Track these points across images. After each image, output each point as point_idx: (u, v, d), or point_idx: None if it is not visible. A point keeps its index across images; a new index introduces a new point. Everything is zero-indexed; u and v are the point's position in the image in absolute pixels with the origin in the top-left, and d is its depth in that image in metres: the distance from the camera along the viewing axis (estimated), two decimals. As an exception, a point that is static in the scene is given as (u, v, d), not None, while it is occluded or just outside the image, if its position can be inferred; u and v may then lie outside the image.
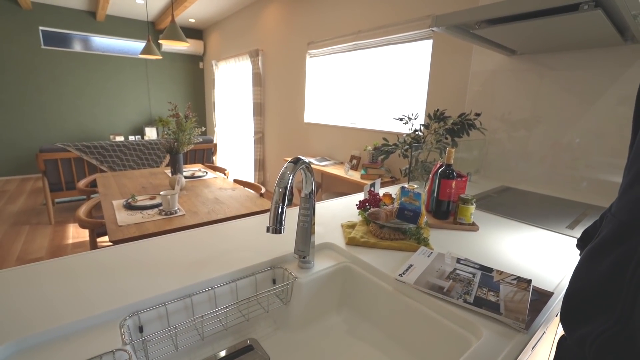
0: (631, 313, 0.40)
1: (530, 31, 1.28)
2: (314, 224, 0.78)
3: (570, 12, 1.04)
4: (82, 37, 5.14)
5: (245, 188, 2.23)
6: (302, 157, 0.67)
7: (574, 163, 1.64)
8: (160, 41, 2.64)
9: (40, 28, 4.79)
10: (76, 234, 3.10)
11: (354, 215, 1.15)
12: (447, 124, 1.60)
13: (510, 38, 1.43)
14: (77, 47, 5.12)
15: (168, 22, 5.21)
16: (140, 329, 0.62)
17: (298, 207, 0.78)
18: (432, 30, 2.28)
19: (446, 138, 1.64)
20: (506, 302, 0.64)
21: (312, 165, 3.02)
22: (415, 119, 1.90)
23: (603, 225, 0.48)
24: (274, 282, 0.81)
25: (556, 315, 0.69)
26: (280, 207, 0.59)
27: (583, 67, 1.57)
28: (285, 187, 0.60)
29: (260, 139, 4.54)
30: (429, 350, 0.67)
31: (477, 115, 1.64)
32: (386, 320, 0.76)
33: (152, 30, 5.76)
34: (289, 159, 3.16)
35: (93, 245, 1.75)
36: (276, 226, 0.59)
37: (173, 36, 2.52)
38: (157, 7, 4.79)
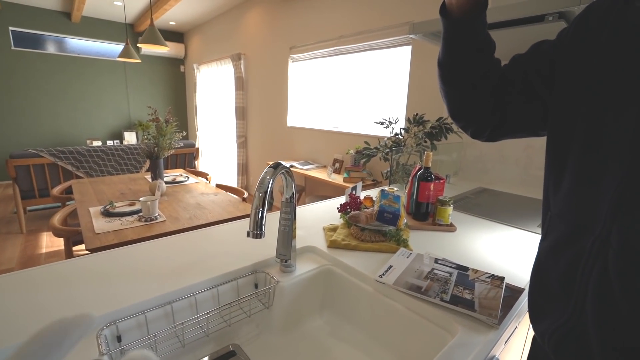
0: (582, 309, 0.43)
1: (502, 39, 1.34)
2: (295, 227, 0.79)
3: (537, 23, 1.10)
4: (56, 38, 4.97)
5: (228, 193, 2.21)
6: (282, 162, 0.68)
7: (546, 165, 1.71)
8: (139, 45, 2.59)
9: (10, 28, 4.60)
10: (50, 243, 2.98)
11: (336, 219, 1.16)
12: (426, 128, 1.64)
13: (483, 45, 1.49)
14: (51, 49, 4.95)
15: (147, 24, 5.11)
16: (119, 339, 0.61)
17: (280, 211, 0.79)
18: (410, 37, 2.35)
19: (425, 141, 1.69)
20: (480, 299, 0.67)
21: (295, 169, 3.02)
22: (395, 122, 1.94)
23: (552, 226, 0.51)
24: (256, 286, 0.81)
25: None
26: (260, 212, 0.60)
27: (552, 73, 1.65)
28: (265, 192, 0.61)
29: (243, 143, 4.51)
30: (409, 348, 0.69)
31: (454, 119, 1.69)
32: (367, 321, 0.77)
33: (131, 32, 5.64)
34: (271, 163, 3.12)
35: (68, 254, 1.69)
36: (256, 231, 0.60)
37: (152, 40, 2.48)
38: (136, 9, 4.69)
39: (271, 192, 0.62)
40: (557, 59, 0.53)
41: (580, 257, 0.44)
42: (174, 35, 6.01)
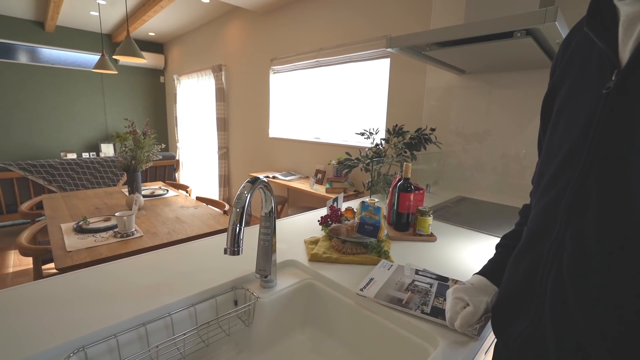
0: (542, 313, 0.44)
1: (475, 53, 1.40)
2: (275, 242, 0.77)
3: (506, 39, 1.15)
4: (28, 48, 4.80)
5: (209, 206, 2.16)
6: (260, 176, 0.67)
7: (522, 172, 1.78)
8: (114, 57, 2.53)
9: (-21, 38, 4.42)
10: (18, 261, 2.82)
11: (318, 231, 1.15)
12: (405, 139, 1.68)
13: (458, 59, 1.55)
14: (23, 59, 4.77)
15: (125, 35, 5.02)
16: (87, 366, 0.58)
17: (259, 225, 0.78)
18: (388, 51, 2.41)
19: (405, 152, 1.72)
20: (460, 309, 0.67)
21: (278, 180, 3.00)
22: (376, 133, 1.97)
23: (523, 238, 0.53)
24: (236, 303, 0.79)
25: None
26: (237, 228, 0.59)
27: (521, 85, 1.73)
28: (243, 207, 0.60)
29: (224, 154, 4.46)
30: (391, 362, 0.69)
31: (432, 130, 1.74)
32: (349, 335, 0.77)
33: (108, 43, 5.52)
34: (257, 174, 3.08)
35: (37, 274, 1.60)
36: (234, 247, 0.58)
37: (128, 52, 2.44)
38: (113, 20, 4.61)
39: (249, 208, 0.61)
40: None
41: (539, 262, 0.45)
42: (154, 46, 5.94)
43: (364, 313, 0.73)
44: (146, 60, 2.62)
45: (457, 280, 0.80)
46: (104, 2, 3.87)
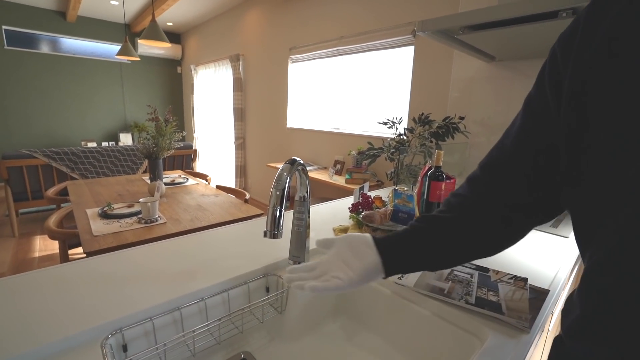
0: None
1: (511, 37, 1.32)
2: (309, 227, 0.75)
3: (550, 19, 1.07)
4: (50, 38, 4.89)
5: (229, 194, 2.16)
6: (297, 158, 0.64)
7: (552, 165, 1.70)
8: (140, 41, 2.53)
9: (4, 27, 4.52)
10: (43, 246, 2.90)
11: (345, 219, 1.12)
12: (433, 128, 1.62)
13: (491, 44, 1.47)
14: (45, 49, 4.87)
15: (144, 24, 5.05)
16: (124, 348, 0.57)
17: (292, 211, 0.75)
18: (417, 35, 2.33)
19: (431, 141, 1.66)
20: (507, 301, 0.64)
21: (296, 171, 2.98)
22: (399, 123, 1.91)
23: None
24: (267, 290, 0.77)
25: (551, 313, 0.70)
26: (278, 211, 0.56)
27: (558, 72, 1.64)
28: (283, 190, 0.57)
29: (241, 144, 4.46)
30: (432, 355, 0.66)
31: (461, 118, 1.68)
32: (385, 325, 0.74)
33: (128, 32, 5.57)
34: (274, 164, 3.07)
35: (64, 258, 1.64)
36: (274, 230, 0.56)
37: (153, 36, 2.43)
38: (133, 9, 4.64)
39: (289, 190, 0.59)
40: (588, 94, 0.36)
41: None
42: (171, 36, 5.96)
43: (402, 303, 0.70)
44: (170, 45, 2.62)
45: (499, 271, 0.76)
46: (124, -8, 3.88)
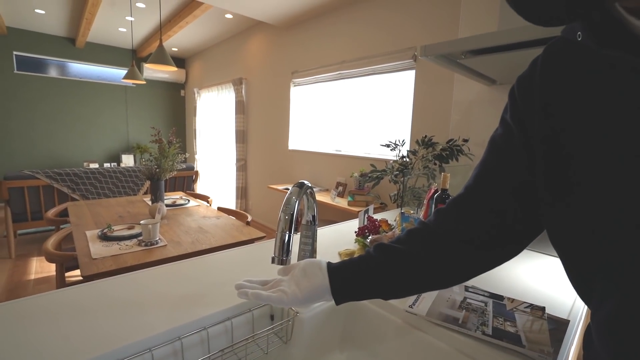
0: None
1: (512, 61, 1.35)
2: (315, 252, 0.73)
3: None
4: (58, 62, 5.02)
5: (230, 216, 2.14)
6: (306, 182, 0.63)
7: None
8: (147, 65, 2.59)
9: (15, 53, 4.65)
10: (40, 268, 2.84)
11: (350, 243, 1.10)
12: (436, 150, 1.62)
13: (492, 68, 1.50)
14: (53, 73, 4.99)
15: (150, 49, 5.20)
16: (121, 382, 0.53)
17: (299, 234, 0.73)
18: (418, 59, 2.38)
19: (434, 164, 1.66)
20: (526, 332, 0.61)
21: (298, 192, 2.96)
22: (402, 145, 1.92)
23: None
24: (272, 317, 0.74)
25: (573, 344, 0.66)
26: (287, 236, 0.54)
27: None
28: (292, 214, 0.56)
29: (242, 166, 4.48)
30: (447, 390, 0.62)
31: (465, 141, 1.68)
32: (395, 356, 0.70)
33: (134, 57, 5.73)
34: (275, 186, 3.04)
35: (60, 281, 1.59)
36: (282, 257, 0.54)
37: (161, 60, 2.49)
38: (140, 36, 4.79)
39: (297, 215, 0.57)
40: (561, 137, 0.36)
41: None
42: (176, 61, 6.12)
43: (414, 332, 0.66)
44: (176, 69, 2.68)
45: (514, 299, 0.73)
46: (133, 19, 4.02)
